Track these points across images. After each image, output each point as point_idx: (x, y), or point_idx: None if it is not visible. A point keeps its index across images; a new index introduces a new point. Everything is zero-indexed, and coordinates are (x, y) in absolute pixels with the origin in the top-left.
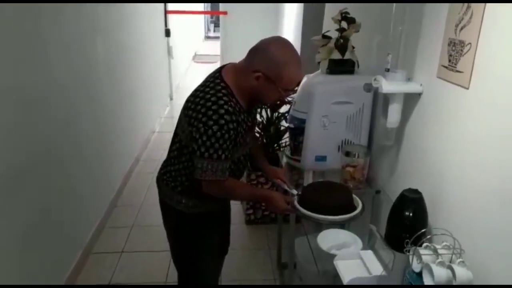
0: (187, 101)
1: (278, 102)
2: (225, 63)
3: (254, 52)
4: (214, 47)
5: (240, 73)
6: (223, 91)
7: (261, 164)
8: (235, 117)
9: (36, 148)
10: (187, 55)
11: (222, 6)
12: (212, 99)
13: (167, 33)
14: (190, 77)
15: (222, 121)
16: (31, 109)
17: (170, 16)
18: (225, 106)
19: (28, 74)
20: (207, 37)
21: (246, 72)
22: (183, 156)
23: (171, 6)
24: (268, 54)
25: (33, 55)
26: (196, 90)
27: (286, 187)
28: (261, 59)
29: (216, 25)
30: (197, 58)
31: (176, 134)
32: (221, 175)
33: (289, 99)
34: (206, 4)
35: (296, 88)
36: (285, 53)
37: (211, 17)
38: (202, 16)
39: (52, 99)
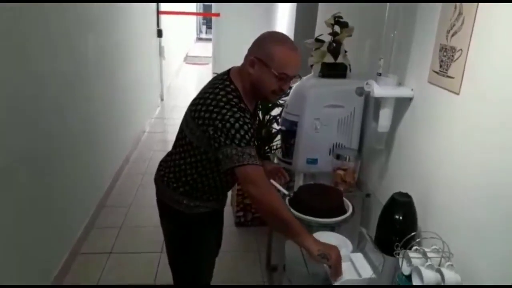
0: (196, 103)
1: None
2: (216, 65)
3: (251, 46)
4: (205, 49)
5: (241, 71)
6: (233, 93)
7: None
8: (247, 114)
9: (22, 147)
10: (178, 56)
11: (214, 8)
12: (224, 99)
13: (159, 33)
14: (181, 78)
15: (238, 115)
16: (17, 107)
17: (162, 16)
18: (238, 105)
19: (11, 71)
20: (199, 39)
21: (244, 65)
22: (189, 154)
23: (163, 7)
24: (260, 41)
25: (17, 52)
26: (205, 92)
27: (279, 187)
28: (255, 47)
29: (208, 26)
30: (188, 59)
31: (182, 134)
32: (254, 160)
33: (281, 102)
34: (198, 5)
35: (294, 76)
36: (276, 36)
37: (204, 19)
38: (194, 17)
39: (38, 97)
